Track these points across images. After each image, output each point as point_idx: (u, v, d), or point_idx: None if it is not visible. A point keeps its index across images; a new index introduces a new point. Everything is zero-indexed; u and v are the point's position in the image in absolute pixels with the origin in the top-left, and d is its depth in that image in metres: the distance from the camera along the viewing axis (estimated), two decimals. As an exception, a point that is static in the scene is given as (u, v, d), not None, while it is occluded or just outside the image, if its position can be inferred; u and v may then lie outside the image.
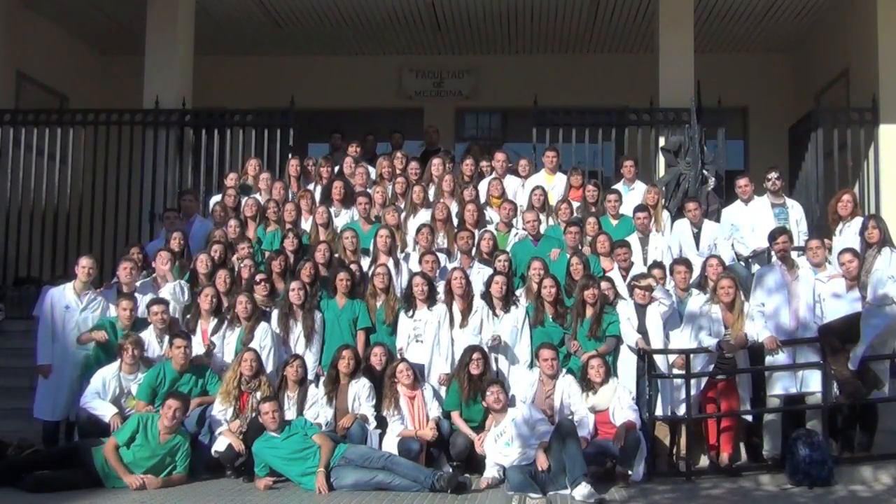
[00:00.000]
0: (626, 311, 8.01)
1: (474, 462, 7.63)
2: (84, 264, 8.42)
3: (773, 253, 8.46)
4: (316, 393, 7.86)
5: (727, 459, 7.74)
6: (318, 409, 7.74)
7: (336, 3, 12.96)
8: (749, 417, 7.91)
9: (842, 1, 12.51)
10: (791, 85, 14.50)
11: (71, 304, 8.34)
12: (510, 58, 14.95)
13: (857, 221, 8.48)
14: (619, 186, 10.27)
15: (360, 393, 7.74)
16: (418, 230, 9.15)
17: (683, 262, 8.52)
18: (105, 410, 7.69)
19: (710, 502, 6.87)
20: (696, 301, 8.04)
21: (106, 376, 7.84)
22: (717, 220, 9.62)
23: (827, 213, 9.41)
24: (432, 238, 9.12)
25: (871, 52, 11.56)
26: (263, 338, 8.11)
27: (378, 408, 7.75)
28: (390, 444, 7.54)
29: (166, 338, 8.09)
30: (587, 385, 7.66)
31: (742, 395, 7.82)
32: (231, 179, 10.66)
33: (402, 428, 7.63)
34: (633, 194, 10.03)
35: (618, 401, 7.54)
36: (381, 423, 7.74)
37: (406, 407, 7.66)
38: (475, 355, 7.69)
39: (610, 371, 7.76)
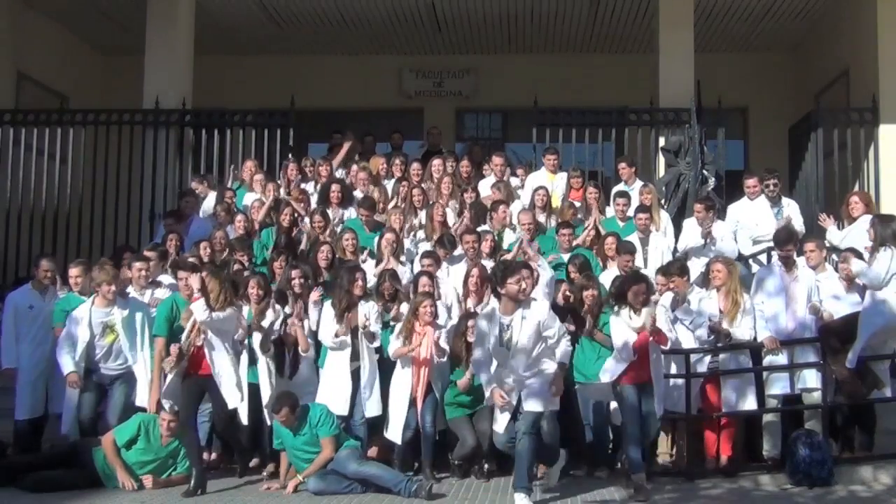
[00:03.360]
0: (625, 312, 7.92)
1: (477, 461, 7.64)
2: (45, 267, 8.41)
3: (773, 253, 8.48)
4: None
5: (726, 459, 7.74)
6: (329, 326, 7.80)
7: (336, 3, 12.96)
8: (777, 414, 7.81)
9: (842, 1, 12.52)
10: (791, 85, 14.49)
11: (34, 303, 8.31)
12: (510, 58, 14.94)
13: (865, 220, 8.49)
14: (619, 188, 10.28)
15: (370, 313, 7.75)
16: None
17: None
18: (64, 366, 7.70)
19: (710, 502, 6.87)
20: (694, 298, 8.01)
21: (79, 315, 7.81)
22: (722, 219, 9.62)
23: (827, 213, 9.51)
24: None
25: (871, 52, 11.56)
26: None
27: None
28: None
29: (148, 292, 8.21)
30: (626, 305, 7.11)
31: (749, 394, 7.77)
32: (248, 169, 10.63)
33: (402, 347, 7.58)
34: (632, 195, 10.03)
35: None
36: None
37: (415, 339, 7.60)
38: (471, 322, 7.58)
39: (651, 291, 7.33)
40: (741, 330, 7.70)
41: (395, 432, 7.61)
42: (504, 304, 6.75)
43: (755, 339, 7.76)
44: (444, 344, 7.56)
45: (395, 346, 7.62)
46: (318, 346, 8.00)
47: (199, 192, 10.50)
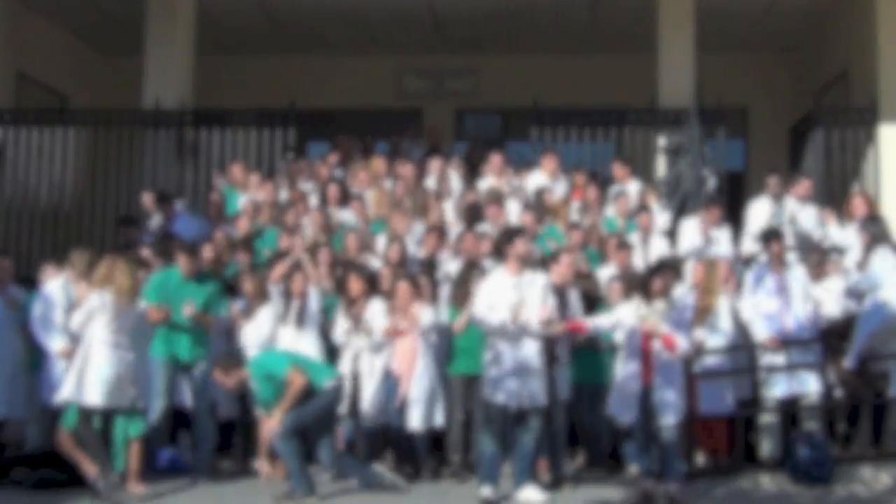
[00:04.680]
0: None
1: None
2: (1, 265, 8.44)
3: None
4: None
5: (724, 460, 7.74)
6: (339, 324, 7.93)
7: (336, 3, 12.96)
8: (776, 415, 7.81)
9: (842, 1, 12.52)
10: (791, 85, 14.49)
11: None
12: (510, 58, 14.92)
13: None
14: (617, 187, 10.30)
15: (375, 311, 7.81)
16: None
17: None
18: (51, 342, 7.76)
19: (710, 502, 6.87)
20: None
21: (53, 288, 7.85)
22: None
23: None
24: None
25: (871, 52, 11.56)
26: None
27: None
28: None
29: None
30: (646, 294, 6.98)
31: (726, 395, 7.75)
32: (236, 171, 10.63)
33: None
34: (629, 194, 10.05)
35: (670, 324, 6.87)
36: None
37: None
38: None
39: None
40: (722, 323, 7.68)
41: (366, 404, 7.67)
42: (511, 264, 6.91)
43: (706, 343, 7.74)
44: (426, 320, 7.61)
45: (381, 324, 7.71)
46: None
47: (148, 207, 10.40)
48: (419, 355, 7.63)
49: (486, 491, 6.74)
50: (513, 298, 6.76)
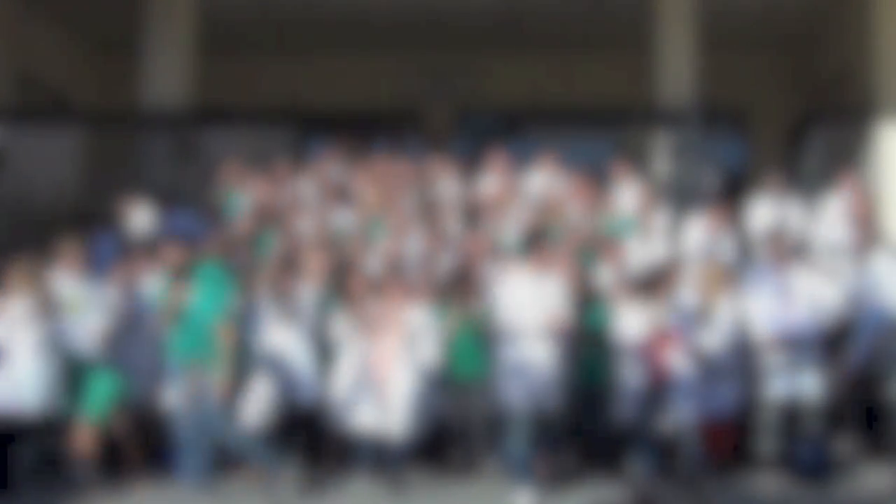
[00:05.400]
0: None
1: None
2: None
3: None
4: None
5: (723, 460, 7.75)
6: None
7: (336, 3, 12.98)
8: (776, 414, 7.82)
9: (841, 1, 12.53)
10: (791, 85, 14.52)
11: None
12: (510, 58, 14.95)
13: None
14: (618, 187, 10.31)
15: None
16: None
17: None
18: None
19: (710, 502, 6.87)
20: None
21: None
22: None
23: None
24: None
25: (870, 52, 11.58)
26: None
27: None
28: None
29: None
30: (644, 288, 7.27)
31: (726, 395, 7.78)
32: (234, 171, 10.62)
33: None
34: (627, 195, 10.06)
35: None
36: None
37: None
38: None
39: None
40: (723, 323, 7.70)
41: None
42: (534, 264, 6.98)
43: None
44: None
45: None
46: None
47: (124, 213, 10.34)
48: (401, 355, 7.50)
49: (524, 492, 6.75)
50: (533, 297, 6.81)
